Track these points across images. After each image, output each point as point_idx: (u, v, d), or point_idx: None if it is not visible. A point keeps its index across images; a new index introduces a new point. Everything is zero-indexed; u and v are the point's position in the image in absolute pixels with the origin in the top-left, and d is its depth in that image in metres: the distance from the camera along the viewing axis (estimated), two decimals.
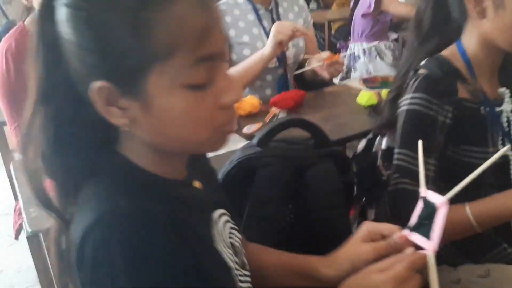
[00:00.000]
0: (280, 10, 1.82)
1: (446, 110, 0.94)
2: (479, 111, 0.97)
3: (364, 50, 2.93)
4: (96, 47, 0.50)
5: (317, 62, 1.62)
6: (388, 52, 2.96)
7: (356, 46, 2.98)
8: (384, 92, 1.54)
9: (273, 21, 1.78)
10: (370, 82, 1.80)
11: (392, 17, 2.90)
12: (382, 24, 2.92)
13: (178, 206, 0.58)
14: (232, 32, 1.71)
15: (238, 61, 1.73)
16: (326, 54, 1.63)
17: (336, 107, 1.56)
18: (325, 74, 1.60)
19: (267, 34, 1.74)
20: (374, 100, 1.53)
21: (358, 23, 2.93)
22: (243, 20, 1.74)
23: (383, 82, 1.73)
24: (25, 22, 1.53)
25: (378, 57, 2.92)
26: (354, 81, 1.85)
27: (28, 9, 1.52)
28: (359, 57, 2.95)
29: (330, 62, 1.58)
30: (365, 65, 2.94)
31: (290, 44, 1.77)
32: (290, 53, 1.79)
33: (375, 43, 2.78)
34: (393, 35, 3.04)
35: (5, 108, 1.53)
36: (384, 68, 2.88)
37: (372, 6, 2.76)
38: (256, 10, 1.76)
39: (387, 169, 1.08)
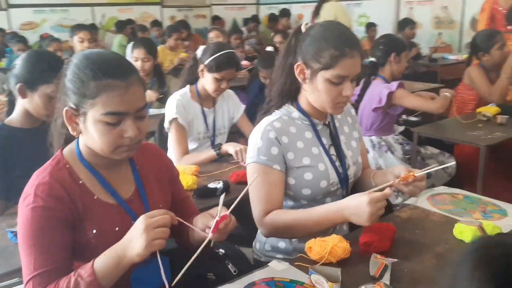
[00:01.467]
0: (336, 123, 1.59)
1: None
2: None
3: (373, 144, 2.79)
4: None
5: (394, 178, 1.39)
6: (397, 146, 2.83)
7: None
8: (487, 225, 1.33)
9: (332, 137, 1.55)
10: (440, 202, 1.60)
11: (403, 110, 2.81)
12: (392, 118, 2.82)
13: None
14: (290, 155, 1.44)
15: (297, 187, 1.47)
16: (400, 170, 1.40)
17: (439, 246, 1.31)
18: (405, 190, 1.38)
19: (327, 153, 1.50)
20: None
21: (367, 117, 2.80)
22: (301, 140, 1.47)
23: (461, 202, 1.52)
24: (63, 152, 1.19)
25: (388, 151, 2.78)
26: (420, 201, 1.62)
27: (69, 138, 1.19)
28: (368, 151, 2.78)
29: (406, 181, 1.35)
30: (375, 160, 2.78)
31: (350, 162, 1.54)
32: (350, 172, 1.55)
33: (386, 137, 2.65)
34: (400, 128, 2.94)
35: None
36: (394, 163, 2.74)
37: (384, 100, 2.65)
38: (314, 126, 1.52)
39: None
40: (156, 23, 7.06)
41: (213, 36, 4.62)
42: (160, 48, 5.22)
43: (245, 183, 1.88)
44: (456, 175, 2.85)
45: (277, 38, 5.32)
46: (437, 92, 2.97)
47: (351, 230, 1.61)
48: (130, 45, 5.84)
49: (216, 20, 8.56)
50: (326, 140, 1.52)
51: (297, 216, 1.38)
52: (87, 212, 1.12)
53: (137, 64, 3.16)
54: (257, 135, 1.46)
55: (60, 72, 1.14)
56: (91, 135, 1.09)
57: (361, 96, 2.82)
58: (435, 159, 2.90)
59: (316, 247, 1.23)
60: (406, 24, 5.70)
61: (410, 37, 5.74)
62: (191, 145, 2.41)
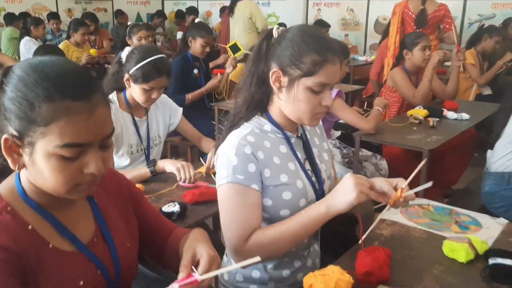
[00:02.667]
0: (307, 134, 1.47)
1: None
2: None
3: None
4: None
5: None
6: (336, 150, 2.80)
7: None
8: (475, 240, 1.29)
9: (306, 150, 1.42)
10: (414, 215, 1.55)
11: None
12: (329, 124, 2.77)
13: None
14: (267, 173, 1.27)
15: (275, 208, 1.31)
16: (381, 184, 1.29)
17: (434, 268, 1.24)
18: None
19: (303, 168, 1.37)
20: (471, 255, 1.26)
21: None
22: (277, 155, 1.31)
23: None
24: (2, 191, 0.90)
25: None
26: (394, 214, 1.55)
27: (3, 169, 0.90)
28: None
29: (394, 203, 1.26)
30: None
31: (325, 176, 1.43)
32: (326, 187, 1.43)
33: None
34: (337, 133, 2.91)
35: None
36: (335, 167, 2.70)
37: None
38: (288, 139, 1.37)
39: None
40: (54, 16, 6.38)
41: (140, 36, 4.11)
42: (64, 44, 4.72)
43: (204, 203, 1.70)
44: (388, 176, 2.91)
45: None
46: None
47: (324, 251, 1.51)
48: (24, 40, 5.23)
49: (119, 14, 8.02)
50: (300, 154, 1.38)
51: (284, 226, 1.23)
52: (42, 265, 0.86)
53: None
54: (229, 151, 1.27)
55: None
56: (39, 171, 0.83)
57: None
58: (369, 161, 2.93)
59: (318, 284, 1.09)
60: (320, 25, 5.79)
61: None
62: (122, 161, 2.11)
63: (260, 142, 1.30)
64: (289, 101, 1.28)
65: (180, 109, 2.30)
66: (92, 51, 4.46)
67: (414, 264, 1.26)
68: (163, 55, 2.00)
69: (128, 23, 4.62)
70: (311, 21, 7.39)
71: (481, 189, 2.31)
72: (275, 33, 1.32)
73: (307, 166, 1.39)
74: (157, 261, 1.17)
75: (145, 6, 9.17)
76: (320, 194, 1.39)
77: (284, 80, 1.27)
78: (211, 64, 4.26)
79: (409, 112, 2.95)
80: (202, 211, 1.65)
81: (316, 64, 1.22)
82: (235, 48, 3.81)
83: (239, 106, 1.38)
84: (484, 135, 3.46)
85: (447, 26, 4.41)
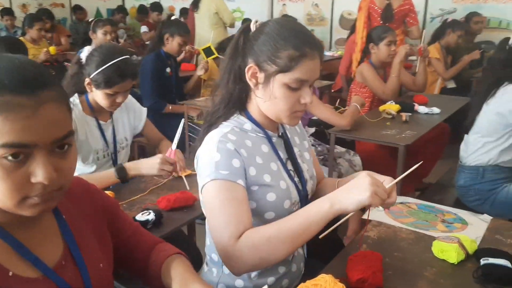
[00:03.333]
0: (288, 133, 1.40)
1: None
2: None
3: None
4: None
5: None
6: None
7: None
8: (465, 240, 1.26)
9: (288, 150, 1.35)
10: (399, 214, 1.51)
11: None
12: (304, 121, 2.72)
13: None
14: (252, 171, 1.20)
15: (259, 211, 1.24)
16: None
17: (426, 270, 1.19)
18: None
19: (285, 168, 1.31)
20: (462, 255, 1.23)
21: None
22: (259, 154, 1.25)
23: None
24: None
25: None
26: (377, 212, 1.51)
27: None
28: None
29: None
30: None
31: (307, 176, 1.37)
32: (308, 187, 1.38)
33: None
34: (311, 130, 2.87)
35: None
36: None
37: None
38: (270, 138, 1.30)
39: None
40: (8, 11, 6.04)
41: (106, 31, 3.93)
42: None
43: (180, 209, 1.60)
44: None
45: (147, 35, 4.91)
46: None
47: (308, 255, 1.45)
48: None
49: (78, 10, 7.71)
50: (282, 154, 1.32)
51: (281, 224, 1.10)
52: None
53: None
54: (210, 149, 1.18)
55: None
56: None
57: None
58: (343, 157, 2.90)
59: None
60: None
61: None
62: (88, 168, 1.95)
63: (241, 141, 1.22)
64: (266, 99, 1.22)
65: (145, 110, 2.18)
66: (52, 49, 4.23)
67: (405, 267, 1.22)
68: (127, 56, 1.84)
69: (90, 20, 4.40)
70: (276, 16, 7.34)
71: (455, 183, 2.32)
72: (252, 27, 1.25)
73: (289, 166, 1.33)
74: (138, 277, 1.07)
75: (105, 1, 8.86)
76: (303, 195, 1.34)
77: (260, 76, 1.20)
78: (178, 60, 4.14)
79: (381, 108, 2.94)
80: (178, 218, 1.56)
81: (293, 59, 1.15)
82: (208, 52, 3.70)
83: (217, 104, 1.30)
84: (454, 128, 3.51)
85: (411, 21, 4.46)
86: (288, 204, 1.26)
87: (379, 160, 3.05)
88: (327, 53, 6.19)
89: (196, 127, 3.47)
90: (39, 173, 0.71)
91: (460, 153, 2.32)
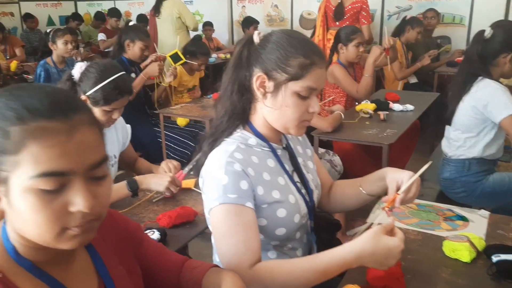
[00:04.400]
0: (291, 144, 1.40)
1: None
2: None
3: None
4: None
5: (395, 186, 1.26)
6: None
7: None
8: (473, 238, 1.30)
9: (292, 161, 1.35)
10: (402, 215, 1.54)
11: None
12: None
13: None
14: (260, 190, 1.19)
15: (270, 228, 1.23)
16: (403, 177, 1.25)
17: (442, 271, 1.22)
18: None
19: (292, 181, 1.30)
20: (474, 254, 1.27)
21: None
22: (266, 170, 1.24)
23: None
24: None
25: None
26: (380, 217, 1.53)
27: None
28: None
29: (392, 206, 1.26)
30: None
31: (313, 186, 1.38)
32: (315, 197, 1.38)
33: None
34: None
35: None
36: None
37: None
38: (275, 152, 1.30)
39: None
40: None
41: (66, 40, 3.78)
42: None
43: (182, 225, 1.56)
44: (343, 171, 2.94)
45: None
46: None
47: None
48: None
49: (29, 18, 7.39)
50: (288, 166, 1.32)
51: (299, 267, 1.08)
52: None
53: None
54: (217, 171, 1.16)
55: None
56: (18, 214, 0.67)
57: None
58: (324, 158, 2.93)
59: None
60: (250, 23, 5.75)
61: None
62: None
63: (248, 158, 1.21)
64: (275, 108, 1.21)
65: (129, 127, 2.13)
66: (12, 66, 4.02)
67: (420, 269, 1.24)
68: (124, 72, 1.82)
69: (48, 30, 4.21)
70: (236, 18, 7.34)
71: (438, 176, 2.39)
72: (256, 38, 1.24)
73: (296, 179, 1.33)
74: None
75: (57, 8, 8.54)
76: (311, 206, 1.34)
77: (269, 85, 1.20)
78: (142, 66, 4.05)
79: (357, 107, 2.98)
80: (182, 235, 1.52)
81: (304, 67, 1.16)
82: (176, 58, 3.64)
83: (220, 117, 1.29)
84: (425, 124, 3.62)
85: (362, 20, 4.54)
86: (298, 218, 1.26)
87: (356, 158, 3.10)
88: None
89: (174, 135, 3.41)
90: (78, 201, 0.68)
91: (442, 148, 2.39)
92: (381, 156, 2.43)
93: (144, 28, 3.61)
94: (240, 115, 1.26)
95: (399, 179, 1.26)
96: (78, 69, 1.76)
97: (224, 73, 1.30)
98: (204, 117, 3.15)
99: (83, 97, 1.76)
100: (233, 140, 1.24)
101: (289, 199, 1.24)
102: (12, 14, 7.89)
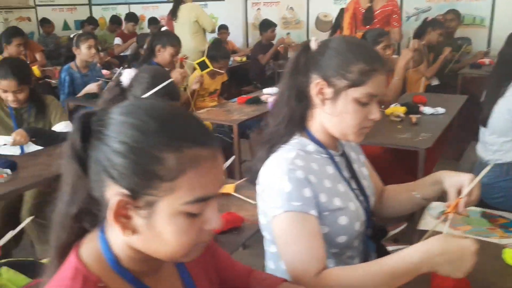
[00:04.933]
0: (346, 150, 1.38)
1: None
2: None
3: None
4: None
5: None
6: None
7: None
8: None
9: (349, 168, 1.33)
10: (456, 222, 1.51)
11: None
12: None
13: None
14: (322, 197, 1.17)
15: (331, 236, 1.21)
16: (463, 180, 1.23)
17: (507, 281, 1.19)
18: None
19: (351, 189, 1.29)
20: None
21: None
22: (326, 177, 1.22)
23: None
24: (82, 257, 0.74)
25: None
26: (438, 225, 1.50)
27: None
28: None
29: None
30: None
31: (370, 193, 1.35)
32: (371, 205, 1.36)
33: None
34: None
35: None
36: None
37: None
38: (333, 159, 1.28)
39: None
40: None
41: (90, 45, 3.79)
42: None
43: (230, 231, 1.54)
44: None
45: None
46: None
47: None
48: None
49: (45, 23, 7.44)
50: (346, 173, 1.30)
51: (365, 272, 1.06)
52: None
53: (6, 96, 2.42)
54: (279, 178, 1.15)
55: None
56: (158, 235, 0.70)
57: None
58: None
59: None
60: (268, 26, 5.74)
61: (271, 38, 5.80)
62: None
63: (309, 165, 1.19)
64: (334, 115, 1.20)
65: None
66: (36, 71, 4.02)
67: (486, 279, 1.21)
68: (173, 79, 1.86)
69: (72, 36, 4.22)
70: (251, 21, 7.33)
71: None
72: (313, 45, 1.23)
73: (353, 185, 1.31)
74: None
75: (72, 13, 8.59)
76: (369, 214, 1.32)
77: (329, 91, 1.18)
78: None
79: (387, 111, 2.95)
80: (230, 241, 1.51)
81: (365, 74, 1.15)
82: (203, 65, 3.64)
83: (278, 123, 1.27)
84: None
85: (394, 23, 4.52)
86: (358, 225, 1.24)
87: (384, 163, 3.07)
88: None
89: None
90: (214, 220, 0.72)
91: (478, 153, 2.35)
92: (409, 161, 2.41)
93: (175, 35, 3.62)
94: (297, 121, 1.25)
95: (458, 182, 1.23)
96: (127, 76, 1.77)
97: (280, 80, 1.29)
98: (231, 122, 3.13)
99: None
100: (291, 146, 1.23)
101: (349, 206, 1.23)
102: (29, 19, 7.94)
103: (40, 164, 2.16)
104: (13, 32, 4.33)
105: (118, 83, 1.79)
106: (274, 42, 5.91)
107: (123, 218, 0.69)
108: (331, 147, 1.28)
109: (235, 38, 7.22)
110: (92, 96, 3.62)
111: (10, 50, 4.22)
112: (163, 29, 3.81)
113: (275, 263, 1.30)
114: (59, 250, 0.75)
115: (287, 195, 1.12)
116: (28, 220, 1.57)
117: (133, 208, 0.68)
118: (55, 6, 8.32)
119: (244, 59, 6.22)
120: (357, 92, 1.15)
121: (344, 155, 1.33)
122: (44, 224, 2.22)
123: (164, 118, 0.69)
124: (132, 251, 0.73)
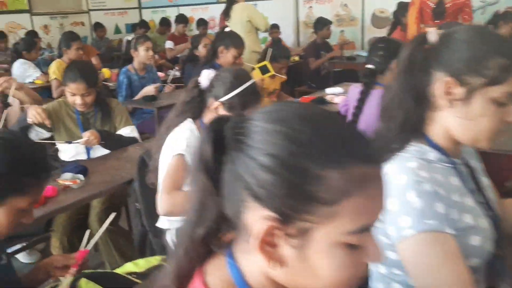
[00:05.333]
0: (466, 156, 1.19)
1: None
2: None
3: None
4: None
5: None
6: None
7: None
8: None
9: (473, 178, 1.15)
10: None
11: None
12: None
13: None
14: (453, 214, 0.99)
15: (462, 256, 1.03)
16: None
17: None
18: None
19: (478, 202, 1.10)
20: None
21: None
22: (453, 190, 1.04)
23: None
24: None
25: None
26: None
27: None
28: None
29: None
30: None
31: (496, 207, 1.16)
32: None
33: None
34: None
35: None
36: None
37: None
38: (457, 168, 1.10)
39: None
40: (32, 34, 5.89)
41: (147, 47, 3.79)
42: (57, 63, 4.31)
43: None
44: None
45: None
46: None
47: None
48: (18, 63, 4.77)
49: (98, 27, 7.57)
50: (470, 185, 1.12)
51: None
52: None
53: (74, 100, 2.37)
54: (406, 192, 0.98)
55: None
56: (310, 268, 0.59)
57: (359, 108, 2.45)
58: None
59: None
60: (324, 24, 5.55)
61: (326, 37, 5.61)
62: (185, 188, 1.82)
63: (434, 177, 1.02)
64: (466, 118, 1.02)
65: None
66: (106, 72, 4.04)
67: None
68: (254, 80, 1.78)
69: (131, 38, 4.23)
70: (302, 19, 7.16)
71: None
72: (433, 37, 1.05)
73: (480, 199, 1.12)
74: None
75: (123, 16, 8.72)
76: (499, 232, 1.13)
77: (459, 91, 1.01)
78: None
79: None
80: None
81: (505, 70, 0.97)
82: (264, 69, 3.52)
83: (391, 129, 1.10)
84: None
85: (465, 17, 4.25)
86: (489, 246, 1.06)
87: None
88: (361, 53, 5.99)
89: None
90: (376, 253, 0.61)
91: None
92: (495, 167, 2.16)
93: (239, 36, 3.53)
94: (414, 126, 1.09)
95: None
96: (205, 76, 1.69)
97: (392, 78, 1.13)
98: None
99: (216, 103, 1.70)
100: (410, 155, 1.06)
101: (480, 223, 1.05)
102: (82, 24, 8.12)
103: (110, 169, 2.09)
104: (72, 37, 4.36)
105: (197, 84, 1.72)
106: (328, 40, 5.72)
107: (268, 246, 0.57)
108: (454, 154, 1.11)
109: (286, 37, 7.07)
110: (150, 99, 3.58)
111: (70, 54, 4.24)
112: (226, 29, 3.73)
113: (385, 285, 1.14)
114: (179, 280, 0.64)
115: (418, 213, 0.96)
116: (111, 217, 1.49)
117: (283, 236, 0.57)
118: (107, 11, 8.47)
119: (297, 58, 6.05)
120: (496, 92, 0.98)
121: (468, 164, 1.15)
122: (113, 231, 2.15)
123: (322, 127, 0.57)
124: (269, 282, 0.62)
